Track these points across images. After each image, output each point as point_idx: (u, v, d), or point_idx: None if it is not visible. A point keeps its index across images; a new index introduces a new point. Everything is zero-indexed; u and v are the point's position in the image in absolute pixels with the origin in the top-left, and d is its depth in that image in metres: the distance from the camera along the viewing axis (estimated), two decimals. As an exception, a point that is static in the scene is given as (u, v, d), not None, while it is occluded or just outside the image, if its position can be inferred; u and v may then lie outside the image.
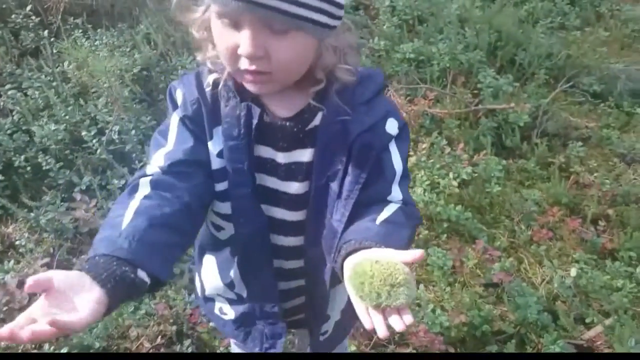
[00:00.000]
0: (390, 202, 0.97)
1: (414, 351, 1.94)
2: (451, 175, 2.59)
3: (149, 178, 0.92)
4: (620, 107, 3.29)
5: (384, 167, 0.98)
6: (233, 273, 1.11)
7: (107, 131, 2.71)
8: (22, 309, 1.95)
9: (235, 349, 1.57)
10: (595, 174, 2.79)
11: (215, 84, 0.96)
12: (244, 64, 0.85)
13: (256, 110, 0.93)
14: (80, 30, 3.32)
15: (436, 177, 2.58)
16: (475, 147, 2.86)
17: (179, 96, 0.98)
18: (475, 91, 3.17)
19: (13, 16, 3.37)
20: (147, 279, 0.79)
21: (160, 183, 0.91)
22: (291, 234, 1.05)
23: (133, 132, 2.66)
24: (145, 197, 0.88)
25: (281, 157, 0.98)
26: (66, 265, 2.22)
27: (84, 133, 2.66)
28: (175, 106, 0.98)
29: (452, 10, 3.63)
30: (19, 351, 1.85)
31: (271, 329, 1.15)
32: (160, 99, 2.96)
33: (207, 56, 0.96)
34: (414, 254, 0.78)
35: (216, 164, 0.97)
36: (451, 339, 1.99)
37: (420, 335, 1.91)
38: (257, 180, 0.99)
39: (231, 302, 1.19)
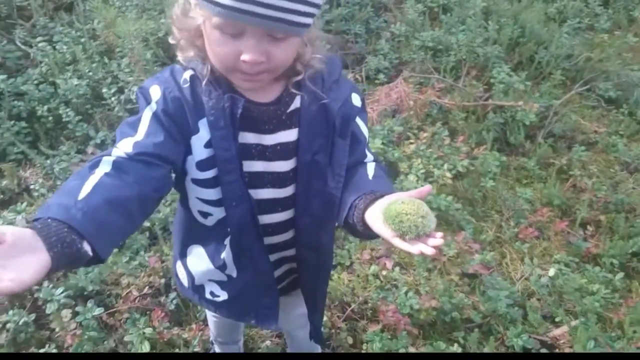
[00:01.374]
0: (366, 162, 1.16)
1: (383, 328, 2.06)
2: (446, 166, 2.66)
3: (112, 158, 0.94)
4: (634, 116, 3.28)
5: (358, 135, 1.15)
6: (225, 255, 1.18)
7: (126, 90, 2.86)
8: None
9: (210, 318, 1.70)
10: (593, 180, 2.82)
11: (192, 79, 1.03)
12: (244, 68, 0.94)
13: (240, 100, 1.02)
14: (115, -11, 3.46)
15: (432, 166, 2.66)
16: (478, 141, 2.91)
17: (155, 92, 1.02)
18: (487, 86, 3.20)
19: (52, -30, 3.51)
20: (90, 253, 0.81)
21: (123, 165, 0.93)
22: (280, 209, 1.16)
23: (150, 93, 2.79)
24: (106, 174, 0.90)
25: (267, 140, 1.08)
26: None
27: (104, 90, 2.82)
28: (149, 102, 1.02)
29: (477, 1, 3.63)
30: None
31: (266, 300, 1.26)
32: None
33: (187, 56, 1.04)
34: (425, 189, 0.95)
35: (204, 153, 1.04)
36: (419, 321, 2.10)
37: (388, 314, 2.03)
38: (245, 168, 1.07)
39: (222, 284, 1.27)
